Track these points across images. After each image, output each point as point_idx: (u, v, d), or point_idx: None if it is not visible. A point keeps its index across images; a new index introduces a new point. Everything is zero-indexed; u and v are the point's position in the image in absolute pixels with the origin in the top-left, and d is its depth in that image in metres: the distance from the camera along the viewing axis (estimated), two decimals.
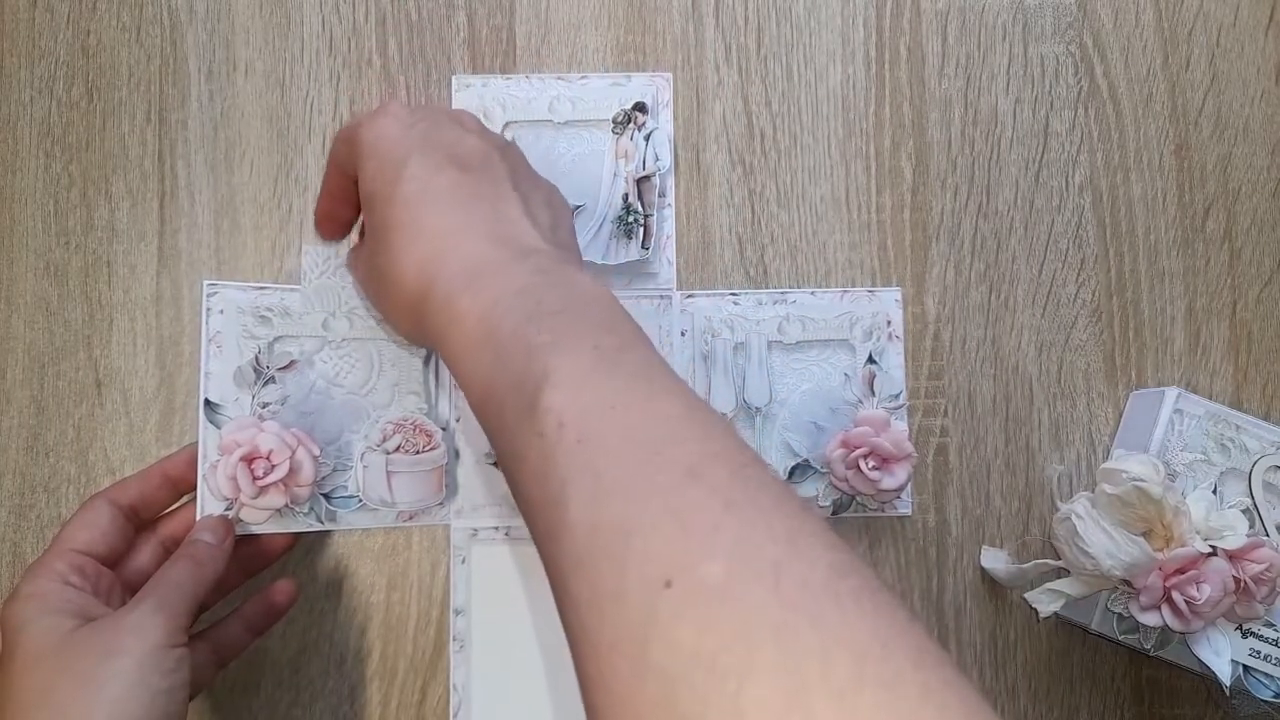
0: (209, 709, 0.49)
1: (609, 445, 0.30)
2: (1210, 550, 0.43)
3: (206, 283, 0.47)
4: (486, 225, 0.39)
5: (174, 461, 0.46)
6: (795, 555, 0.27)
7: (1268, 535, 0.47)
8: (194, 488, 0.46)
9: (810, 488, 0.49)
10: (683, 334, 0.50)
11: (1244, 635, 0.47)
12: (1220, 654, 0.45)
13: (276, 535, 0.47)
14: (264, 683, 0.49)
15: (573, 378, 0.32)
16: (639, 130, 0.51)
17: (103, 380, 0.50)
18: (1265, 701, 0.47)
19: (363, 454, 0.48)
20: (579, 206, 0.50)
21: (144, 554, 0.45)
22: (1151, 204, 0.53)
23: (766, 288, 0.52)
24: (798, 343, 0.50)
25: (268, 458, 0.45)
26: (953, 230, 0.53)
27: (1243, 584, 0.43)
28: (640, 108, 0.51)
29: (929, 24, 0.54)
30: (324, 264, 0.49)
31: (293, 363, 0.48)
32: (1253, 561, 0.43)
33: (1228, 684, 0.45)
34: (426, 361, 0.50)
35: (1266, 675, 0.47)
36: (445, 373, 0.50)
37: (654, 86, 0.52)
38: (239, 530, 0.46)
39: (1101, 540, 0.43)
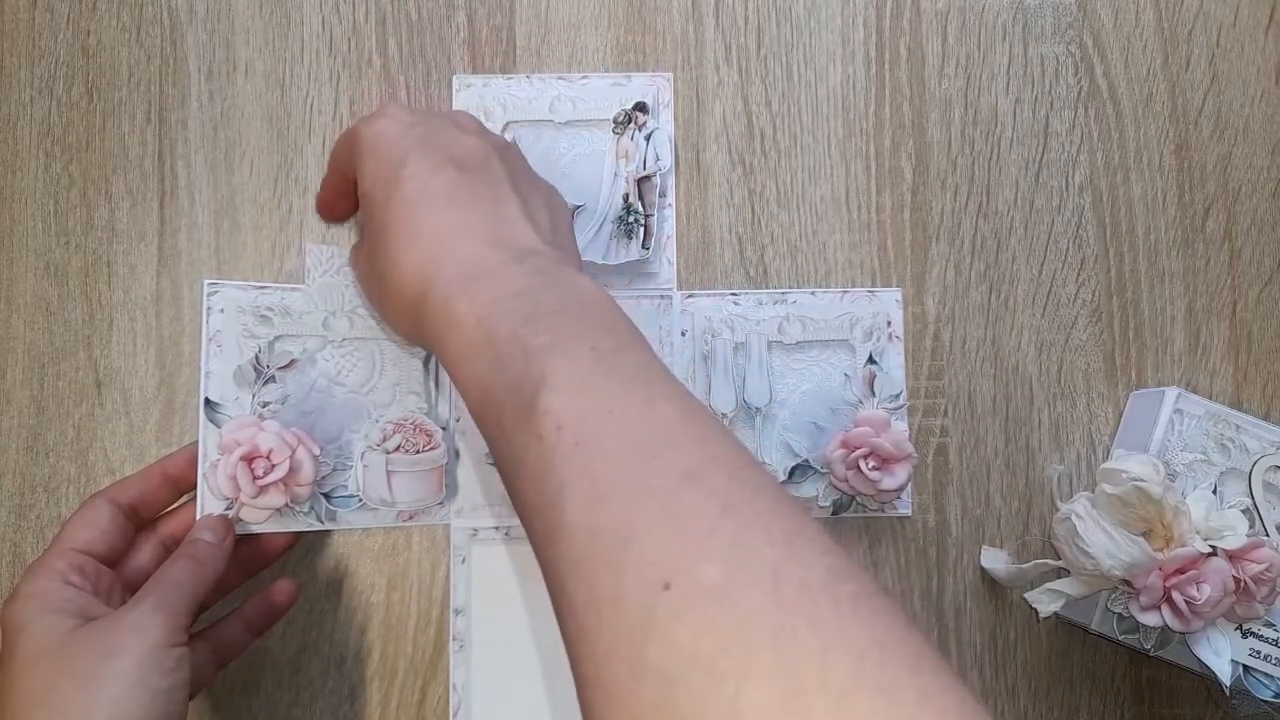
0: (209, 709, 0.49)
1: (607, 449, 0.30)
2: (1210, 550, 0.43)
3: (207, 281, 0.47)
4: (485, 226, 0.39)
5: (174, 461, 0.46)
6: (793, 559, 0.27)
7: (1268, 535, 0.47)
8: (194, 487, 0.46)
9: (810, 488, 0.50)
10: (683, 334, 0.50)
11: (1244, 635, 0.47)
12: (1220, 654, 0.45)
13: (276, 535, 0.47)
14: (264, 683, 0.49)
15: (570, 380, 0.32)
16: (639, 130, 0.51)
17: (103, 380, 0.50)
18: (1265, 701, 0.47)
19: (363, 454, 0.48)
20: (579, 206, 0.50)
21: (144, 553, 0.45)
22: (1151, 204, 0.53)
23: (766, 288, 0.52)
24: (798, 343, 0.50)
25: (268, 457, 0.45)
26: (953, 230, 0.53)
27: (1243, 584, 0.43)
28: (641, 108, 0.51)
29: (929, 24, 0.54)
30: (327, 262, 0.49)
31: (293, 362, 0.48)
32: (1253, 561, 0.43)
33: (1228, 684, 0.45)
34: (426, 362, 0.50)
35: (1266, 675, 0.47)
36: (445, 374, 0.50)
37: (654, 86, 0.52)
38: (239, 530, 0.46)
39: (1101, 540, 0.43)
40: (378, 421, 0.48)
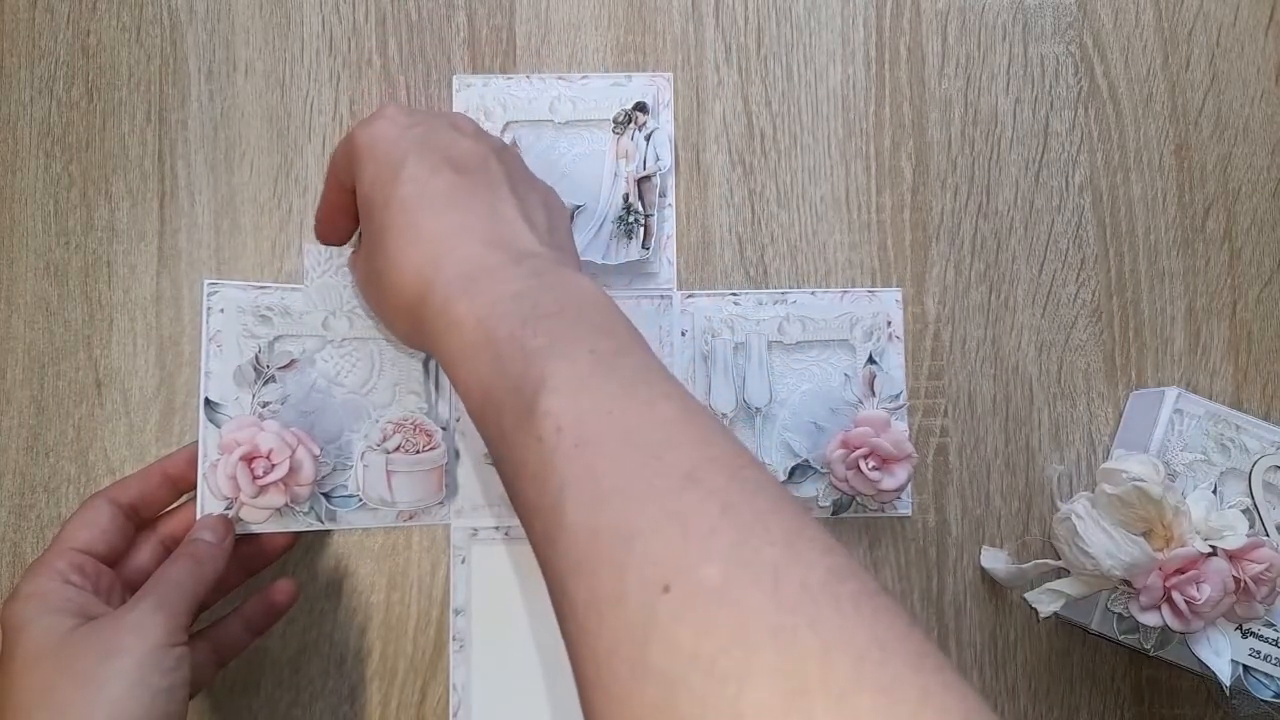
0: (209, 709, 0.49)
1: (607, 450, 0.30)
2: (1210, 550, 0.43)
3: (207, 281, 0.47)
4: (483, 228, 0.39)
5: (174, 460, 0.46)
6: (793, 559, 0.27)
7: (1268, 535, 0.47)
8: (194, 487, 0.46)
9: (810, 488, 0.50)
10: (683, 334, 0.50)
11: (1244, 635, 0.47)
12: (1220, 654, 0.45)
13: (276, 534, 0.47)
14: (264, 683, 0.49)
15: (570, 382, 0.32)
16: (639, 130, 0.51)
17: (103, 380, 0.50)
18: (1265, 701, 0.47)
19: (363, 453, 0.48)
20: (579, 206, 0.50)
21: (144, 553, 0.45)
22: (1151, 204, 0.53)
23: (766, 288, 0.52)
24: (798, 343, 0.50)
25: (268, 457, 0.45)
26: (953, 230, 0.53)
27: (1243, 584, 0.43)
28: (641, 108, 0.51)
29: (929, 24, 0.54)
30: (326, 262, 0.49)
31: (293, 362, 0.48)
32: (1253, 561, 0.43)
33: (1228, 684, 0.45)
34: (426, 362, 0.50)
35: (1266, 675, 0.47)
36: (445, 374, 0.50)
37: (654, 86, 0.52)
38: (239, 529, 0.46)
39: (1101, 540, 0.43)
40: (378, 421, 0.48)
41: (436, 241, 0.38)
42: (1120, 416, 0.52)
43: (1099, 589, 0.46)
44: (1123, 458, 0.46)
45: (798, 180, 0.53)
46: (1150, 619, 0.44)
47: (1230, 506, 0.46)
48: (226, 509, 0.45)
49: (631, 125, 0.51)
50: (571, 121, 0.52)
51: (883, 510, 0.50)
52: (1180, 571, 0.43)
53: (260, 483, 0.44)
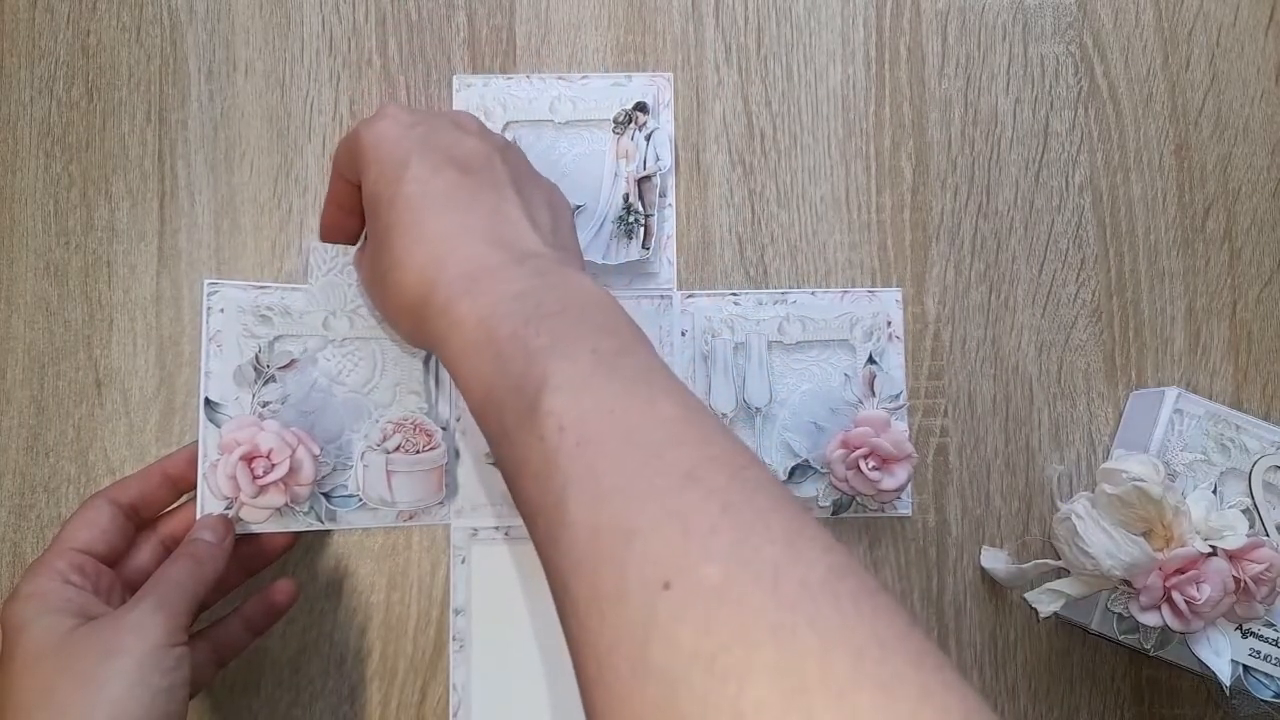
0: (209, 709, 0.49)
1: (609, 448, 0.30)
2: (1210, 550, 0.43)
3: (207, 281, 0.47)
4: (486, 228, 0.39)
5: (174, 460, 0.46)
6: (794, 557, 0.27)
7: (1268, 535, 0.47)
8: (194, 487, 0.46)
9: (810, 488, 0.50)
10: (683, 334, 0.50)
11: (1244, 635, 0.47)
12: (1220, 654, 0.45)
13: (276, 534, 0.47)
14: (264, 683, 0.49)
15: (572, 381, 0.32)
16: (640, 130, 0.51)
17: (103, 380, 0.50)
18: (1265, 701, 0.47)
19: (363, 453, 0.48)
20: (579, 206, 0.50)
21: (144, 553, 0.45)
22: (1151, 204, 0.53)
23: (766, 288, 0.52)
24: (798, 343, 0.50)
25: (268, 457, 0.45)
26: (953, 230, 0.53)
27: (1243, 584, 0.43)
28: (641, 108, 0.51)
29: (929, 24, 0.54)
30: (331, 260, 0.48)
31: (293, 361, 0.48)
32: (1253, 561, 0.43)
33: (1228, 684, 0.45)
34: (426, 361, 0.50)
35: (1266, 675, 0.47)
36: (445, 373, 0.50)
37: (654, 86, 0.52)
38: (239, 529, 0.46)
39: (1101, 540, 0.43)
40: (378, 421, 0.48)
41: (440, 241, 0.38)
42: (1120, 416, 0.52)
43: (1099, 589, 0.46)
44: (1123, 458, 0.46)
45: (798, 180, 0.53)
46: (1150, 619, 0.44)
47: (1230, 506, 0.46)
48: (226, 509, 0.45)
49: (632, 125, 0.51)
50: (571, 121, 0.52)
51: (883, 510, 0.50)
52: (1180, 571, 0.43)
53: (260, 483, 0.44)
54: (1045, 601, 0.46)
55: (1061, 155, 0.54)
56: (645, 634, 0.26)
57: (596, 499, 0.30)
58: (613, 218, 0.50)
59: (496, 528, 0.50)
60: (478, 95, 0.52)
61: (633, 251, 0.50)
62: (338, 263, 0.48)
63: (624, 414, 0.31)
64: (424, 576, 0.50)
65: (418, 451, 0.48)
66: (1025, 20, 0.54)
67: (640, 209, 0.50)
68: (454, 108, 0.52)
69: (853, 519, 0.51)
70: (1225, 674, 0.44)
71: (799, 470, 0.49)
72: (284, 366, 0.47)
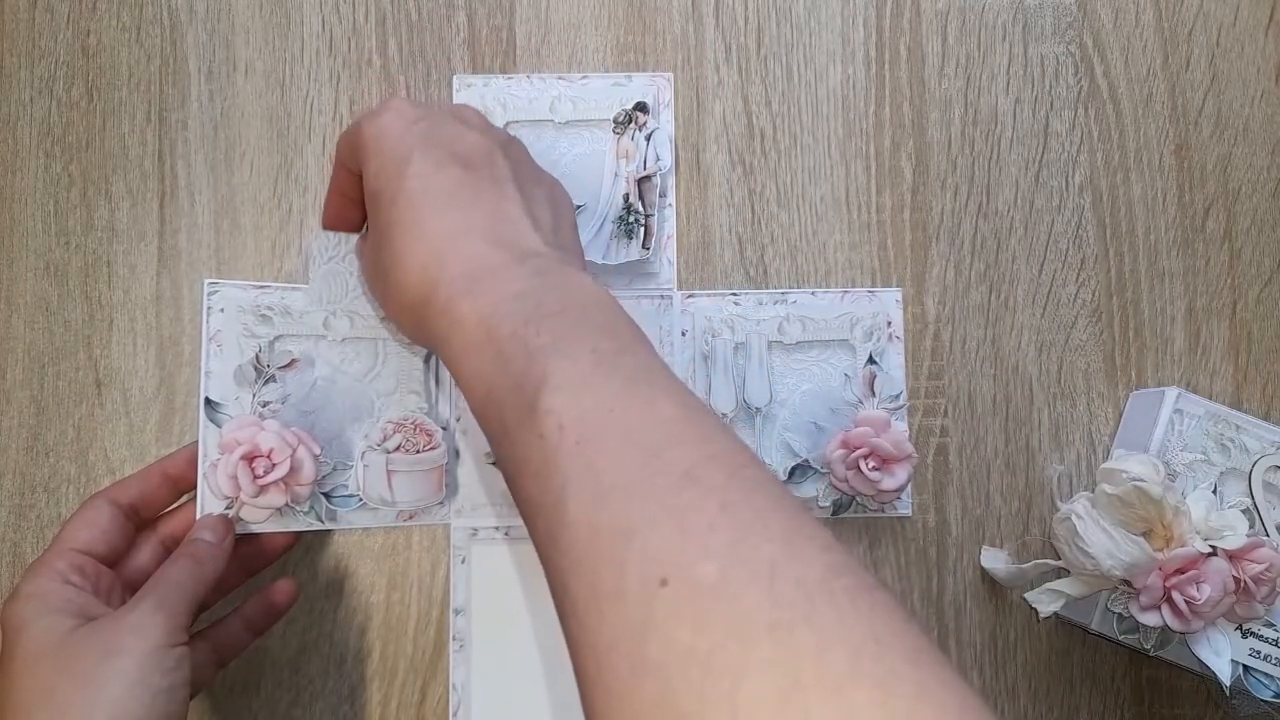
0: (209, 709, 0.49)
1: (608, 447, 0.31)
2: (1210, 550, 0.43)
3: (207, 281, 0.47)
4: (487, 226, 0.39)
5: (174, 460, 0.46)
6: (791, 555, 0.27)
7: (1268, 535, 0.47)
8: (194, 487, 0.46)
9: (810, 488, 0.49)
10: (683, 334, 0.51)
11: (1244, 635, 0.47)
12: (1220, 654, 0.45)
13: (277, 534, 0.47)
14: (264, 683, 0.49)
15: (572, 380, 0.32)
16: (640, 130, 0.51)
17: (103, 380, 0.50)
18: (1265, 701, 0.47)
19: (363, 453, 0.48)
20: (580, 206, 0.50)
21: (144, 553, 0.45)
22: (1151, 204, 0.53)
23: (766, 288, 0.52)
24: (798, 343, 0.50)
25: (268, 456, 0.45)
26: (953, 230, 0.53)
27: (1243, 584, 0.43)
28: (641, 108, 0.51)
29: (929, 24, 0.54)
30: (333, 248, 0.48)
31: (293, 361, 0.48)
32: (1253, 561, 0.43)
33: (1228, 684, 0.45)
34: (427, 360, 0.50)
35: (1266, 675, 0.47)
36: (445, 373, 0.50)
37: (655, 86, 0.52)
38: (239, 529, 0.46)
39: (1101, 540, 0.43)
40: (378, 421, 0.48)
41: (441, 239, 0.38)
42: (1120, 416, 0.52)
43: (1099, 589, 0.46)
44: (1123, 458, 0.46)
45: (798, 180, 0.53)
46: (1150, 619, 0.44)
47: (1230, 506, 0.46)
48: (226, 509, 0.45)
49: (632, 125, 0.51)
50: (572, 121, 0.52)
51: (883, 510, 0.50)
52: (1180, 571, 0.43)
53: (260, 482, 0.44)
54: (1045, 601, 0.46)
55: (1061, 155, 0.54)
56: (643, 631, 0.26)
57: (596, 498, 0.30)
58: (613, 218, 0.50)
59: (496, 527, 0.50)
60: (478, 95, 0.52)
61: (633, 251, 0.50)
62: (339, 251, 0.48)
63: (624, 413, 0.31)
64: (424, 576, 0.50)
65: (418, 451, 0.48)
66: (1025, 20, 0.54)
67: (640, 209, 0.50)
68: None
69: (853, 519, 0.51)
70: (1225, 674, 0.44)
71: (799, 470, 0.49)
72: (284, 366, 0.47)
